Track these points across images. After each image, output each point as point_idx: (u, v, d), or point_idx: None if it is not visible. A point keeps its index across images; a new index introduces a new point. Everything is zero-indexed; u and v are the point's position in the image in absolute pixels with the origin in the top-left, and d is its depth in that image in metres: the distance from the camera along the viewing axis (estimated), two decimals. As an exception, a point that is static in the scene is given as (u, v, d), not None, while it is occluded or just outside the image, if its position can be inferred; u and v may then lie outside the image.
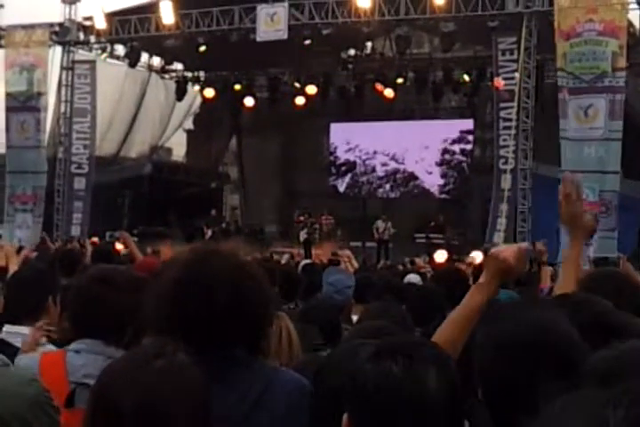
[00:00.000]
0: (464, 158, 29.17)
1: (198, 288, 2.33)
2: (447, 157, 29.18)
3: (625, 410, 0.95)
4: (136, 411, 1.80)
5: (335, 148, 30.95)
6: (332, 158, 31.06)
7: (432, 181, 29.44)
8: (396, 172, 30.04)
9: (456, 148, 29.12)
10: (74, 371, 2.86)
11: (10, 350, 3.31)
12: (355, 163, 30.68)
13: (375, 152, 30.11)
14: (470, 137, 28.90)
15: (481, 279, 2.66)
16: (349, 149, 30.49)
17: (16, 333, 3.68)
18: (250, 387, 2.34)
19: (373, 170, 30.42)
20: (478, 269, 6.77)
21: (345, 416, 1.83)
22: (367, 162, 30.44)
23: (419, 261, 14.05)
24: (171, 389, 1.84)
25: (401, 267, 13.89)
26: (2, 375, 2.25)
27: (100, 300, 3.03)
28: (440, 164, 29.33)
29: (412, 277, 8.48)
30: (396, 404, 1.75)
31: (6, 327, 3.71)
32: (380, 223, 24.64)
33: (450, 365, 1.87)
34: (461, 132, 28.96)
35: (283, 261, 11.65)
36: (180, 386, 1.86)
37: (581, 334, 2.05)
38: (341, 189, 31.03)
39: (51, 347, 3.58)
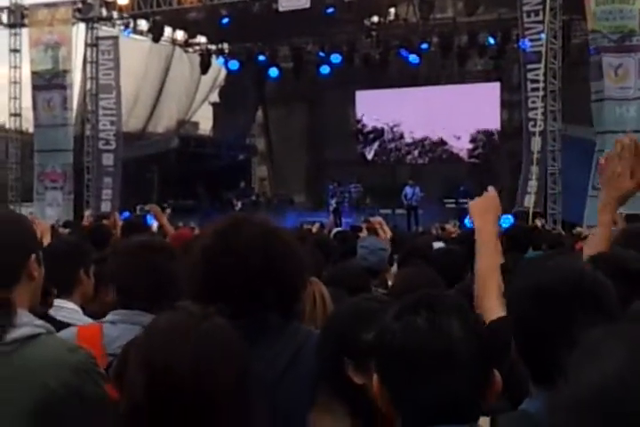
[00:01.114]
0: (492, 122, 28.95)
1: (230, 254, 2.35)
2: (475, 120, 28.94)
3: None
4: (188, 370, 1.81)
5: (362, 116, 30.84)
6: (358, 126, 30.96)
7: (460, 145, 29.29)
8: (423, 138, 29.92)
9: (484, 111, 28.87)
10: (110, 343, 2.87)
11: (56, 325, 3.35)
12: (382, 130, 30.56)
13: (402, 119, 29.94)
14: (498, 100, 28.65)
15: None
16: (376, 117, 30.35)
17: (59, 306, 3.68)
18: (283, 349, 2.37)
19: (401, 137, 30.30)
20: (508, 231, 6.75)
21: (375, 377, 1.84)
22: (394, 129, 30.31)
23: (449, 227, 13.99)
24: (218, 350, 1.85)
25: (433, 232, 13.84)
26: (46, 343, 2.26)
27: (150, 267, 3.05)
28: (468, 128, 29.13)
29: (437, 245, 8.45)
30: (424, 357, 1.75)
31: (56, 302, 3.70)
32: (408, 189, 24.55)
33: (472, 313, 1.88)
34: (488, 95, 28.70)
35: (314, 230, 11.63)
36: (226, 348, 1.87)
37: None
38: (369, 156, 30.96)
39: (87, 320, 3.60)
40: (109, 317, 3.01)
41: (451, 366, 1.75)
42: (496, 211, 3.19)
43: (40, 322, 2.29)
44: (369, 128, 30.77)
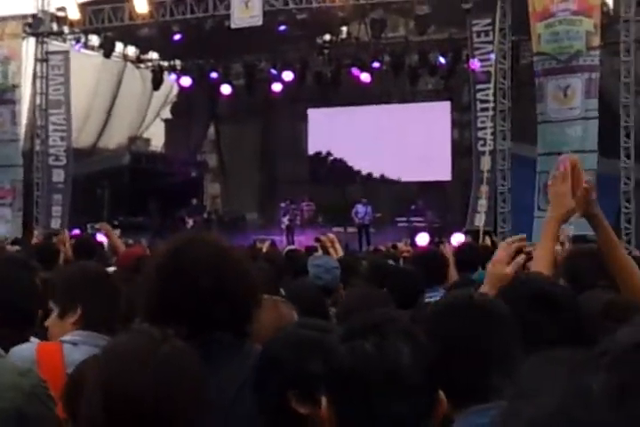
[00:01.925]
0: (442, 141, 29.18)
1: (182, 274, 2.36)
2: (424, 139, 29.15)
3: (608, 374, 0.93)
4: (148, 395, 1.81)
5: (313, 133, 30.91)
6: (310, 144, 31.01)
7: (411, 163, 29.43)
8: (374, 156, 30.02)
9: (435, 130, 29.11)
10: (71, 363, 2.86)
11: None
12: (333, 147, 30.65)
13: (354, 137, 30.06)
14: (448, 119, 28.93)
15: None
16: (327, 135, 30.44)
17: None
18: (237, 369, 2.37)
19: (352, 154, 30.40)
20: (459, 251, 6.83)
21: (323, 400, 1.84)
22: (345, 147, 30.41)
23: (401, 245, 14.03)
24: (177, 373, 1.86)
25: (383, 250, 13.89)
26: (-2, 367, 2.25)
27: (110, 291, 3.10)
28: (418, 146, 29.32)
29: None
30: (372, 382, 1.76)
31: None
32: (360, 207, 24.64)
33: (420, 337, 1.88)
34: (438, 114, 28.98)
35: (264, 249, 11.62)
36: (186, 372, 1.88)
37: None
38: (321, 174, 30.99)
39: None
40: (70, 337, 2.99)
41: (399, 392, 1.77)
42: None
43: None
44: (320, 146, 30.83)
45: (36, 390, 2.30)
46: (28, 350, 2.97)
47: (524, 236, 3.01)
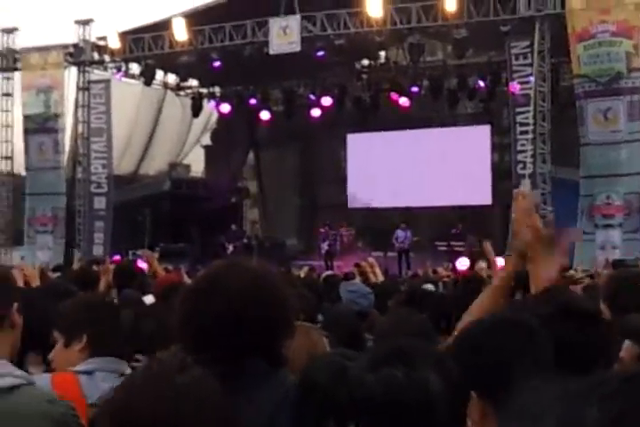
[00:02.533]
0: (483, 164, 29.02)
1: (215, 298, 2.33)
2: (466, 163, 29.03)
3: (601, 406, 0.92)
4: None
5: (353, 158, 30.90)
6: (350, 169, 30.99)
7: (451, 187, 29.29)
8: (414, 180, 29.93)
9: (475, 154, 28.98)
10: (91, 392, 2.83)
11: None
12: (374, 172, 30.59)
13: (393, 162, 30.02)
14: (487, 143, 28.78)
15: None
16: (367, 160, 30.42)
17: None
18: (267, 400, 2.33)
19: (393, 179, 30.32)
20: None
21: None
22: (386, 171, 30.35)
23: (440, 270, 13.95)
24: (194, 404, 1.81)
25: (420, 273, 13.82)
26: (27, 395, 2.23)
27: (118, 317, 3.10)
28: (459, 170, 29.20)
29: (426, 287, 8.43)
30: (403, 412, 1.74)
31: None
32: (399, 232, 24.59)
33: (450, 364, 1.86)
34: (479, 137, 28.85)
35: (302, 275, 11.60)
36: (203, 401, 1.83)
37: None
38: (360, 199, 30.91)
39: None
40: (83, 366, 2.95)
41: (429, 420, 1.74)
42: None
43: (20, 372, 2.27)
44: (360, 171, 30.79)
45: (66, 418, 2.30)
46: (42, 380, 2.94)
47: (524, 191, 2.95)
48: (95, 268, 10.09)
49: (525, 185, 20.49)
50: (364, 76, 28.85)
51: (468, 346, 2.05)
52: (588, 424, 0.91)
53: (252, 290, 2.35)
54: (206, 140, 32.53)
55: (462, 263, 21.62)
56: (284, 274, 9.79)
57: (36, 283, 6.70)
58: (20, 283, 6.96)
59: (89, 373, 2.91)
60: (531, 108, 20.53)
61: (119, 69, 26.50)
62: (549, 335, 2.04)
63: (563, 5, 20.21)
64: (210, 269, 2.53)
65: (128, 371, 3.04)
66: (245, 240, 28.12)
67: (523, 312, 2.24)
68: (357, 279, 8.11)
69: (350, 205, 30.33)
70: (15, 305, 2.37)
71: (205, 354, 2.17)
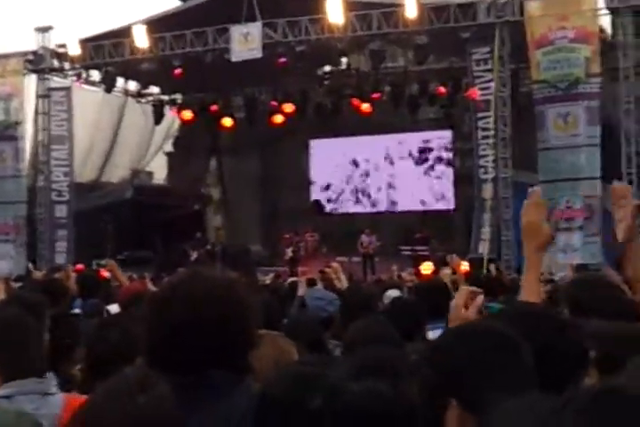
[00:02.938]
0: (445, 169, 29.23)
1: (180, 306, 2.32)
2: (427, 168, 29.23)
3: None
4: None
5: (315, 164, 30.97)
6: (312, 175, 31.05)
7: (414, 192, 29.46)
8: (377, 185, 30.07)
9: (435, 159, 29.19)
10: None
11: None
12: (335, 178, 30.70)
13: (355, 167, 30.14)
14: (449, 147, 28.99)
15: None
16: (329, 165, 30.50)
17: None
18: (233, 411, 2.31)
19: (354, 184, 30.44)
20: (465, 277, 6.79)
21: None
22: (347, 177, 30.46)
23: (405, 275, 13.99)
24: (154, 425, 1.81)
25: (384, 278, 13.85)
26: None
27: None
28: (421, 175, 29.38)
29: (392, 292, 8.44)
30: (387, 423, 1.74)
31: None
32: (364, 237, 24.68)
33: (430, 375, 1.87)
34: (440, 142, 29.06)
35: (267, 281, 11.60)
36: (162, 421, 1.83)
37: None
38: (324, 205, 30.99)
39: None
40: (1, 391, 2.86)
41: None
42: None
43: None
44: (322, 176, 30.87)
45: None
46: (55, 399, 2.91)
47: (476, 290, 3.02)
48: (57, 275, 10.03)
49: (487, 190, 20.67)
50: (326, 82, 28.88)
51: (447, 354, 2.06)
52: None
53: (213, 300, 2.34)
54: (168, 147, 32.41)
55: (426, 268, 21.73)
56: (249, 281, 9.79)
57: (1, 296, 6.64)
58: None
59: (7, 397, 2.83)
60: (491, 113, 20.70)
61: (79, 76, 26.31)
62: (529, 347, 2.06)
63: (522, 12, 20.43)
64: (172, 278, 2.52)
65: (53, 389, 2.99)
66: (209, 247, 28.05)
67: (500, 321, 2.26)
68: (320, 285, 8.12)
69: (313, 210, 30.38)
70: None
71: (167, 365, 2.17)
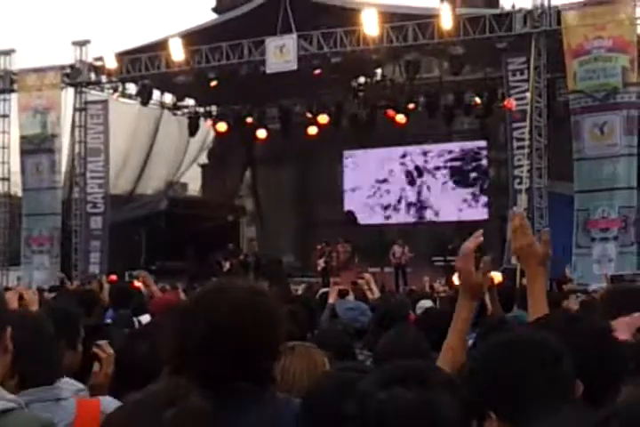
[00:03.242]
0: (479, 180, 29.07)
1: (200, 321, 2.31)
2: (461, 178, 29.08)
3: None
4: None
5: (349, 175, 30.92)
6: (346, 186, 31.00)
7: (448, 203, 29.32)
8: (410, 196, 29.95)
9: (470, 169, 29.04)
10: None
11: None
12: (369, 189, 30.61)
13: (389, 178, 30.05)
14: (485, 158, 28.83)
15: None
16: (363, 177, 30.44)
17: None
18: (258, 419, 2.30)
19: (388, 195, 30.33)
20: (497, 288, 6.69)
21: None
22: (381, 188, 30.38)
23: (437, 285, 13.90)
24: None
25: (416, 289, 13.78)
26: (20, 418, 2.22)
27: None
28: (455, 186, 29.23)
29: (424, 303, 8.39)
30: None
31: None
32: (396, 248, 24.60)
33: (460, 388, 1.83)
34: (475, 153, 28.92)
35: (299, 292, 11.59)
36: None
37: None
38: (357, 216, 30.89)
39: None
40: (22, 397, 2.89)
41: None
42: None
43: (12, 396, 2.25)
44: (356, 187, 30.80)
45: None
46: (68, 404, 2.92)
47: (479, 236, 2.92)
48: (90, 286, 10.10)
49: (522, 200, 20.51)
50: (361, 93, 28.92)
51: (489, 365, 2.02)
52: None
53: (237, 312, 2.32)
54: (203, 158, 32.55)
55: (458, 278, 21.57)
56: (281, 292, 9.78)
57: (34, 307, 6.65)
58: (15, 305, 6.93)
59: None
60: (527, 123, 20.57)
61: (116, 90, 26.55)
62: (570, 357, 2.02)
63: (559, 22, 20.30)
64: (200, 290, 2.52)
65: (64, 394, 2.99)
66: (242, 257, 28.11)
67: (546, 332, 2.21)
68: (351, 296, 8.07)
69: (346, 221, 30.34)
70: (9, 330, 2.34)
71: (191, 377, 2.14)
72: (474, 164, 28.95)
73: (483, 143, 28.74)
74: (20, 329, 3.10)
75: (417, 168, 29.51)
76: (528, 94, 20.86)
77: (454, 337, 2.89)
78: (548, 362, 1.97)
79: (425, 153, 29.42)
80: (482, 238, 2.91)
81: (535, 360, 1.97)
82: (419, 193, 29.77)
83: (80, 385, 3.09)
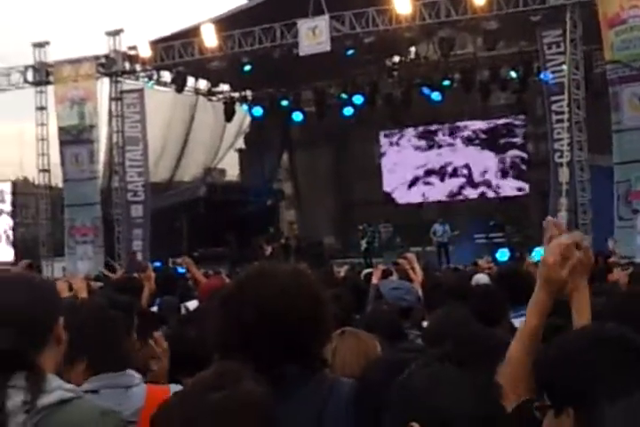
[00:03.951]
0: (519, 154, 28.84)
1: (244, 305, 2.30)
2: (500, 154, 28.88)
3: None
4: None
5: (387, 155, 30.81)
6: (384, 166, 30.90)
7: (488, 179, 29.14)
8: (449, 173, 29.80)
9: (509, 145, 28.81)
10: None
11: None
12: (407, 168, 30.49)
13: (427, 156, 29.92)
14: (521, 133, 28.59)
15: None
16: (400, 156, 30.32)
17: None
18: (311, 401, 2.29)
19: (427, 174, 30.20)
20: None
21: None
22: (419, 166, 30.24)
23: (481, 262, 13.78)
24: (226, 424, 1.77)
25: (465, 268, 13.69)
26: (79, 408, 2.22)
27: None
28: (495, 162, 29.03)
29: (481, 278, 8.32)
30: (450, 408, 1.76)
31: None
32: (437, 227, 24.47)
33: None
34: (513, 128, 28.68)
35: (342, 273, 11.58)
36: (240, 421, 1.80)
37: None
38: (396, 195, 30.80)
39: None
40: (88, 385, 2.91)
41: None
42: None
43: (70, 386, 2.26)
44: (394, 167, 30.67)
45: None
46: (139, 390, 2.99)
47: (579, 233, 2.67)
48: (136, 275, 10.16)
49: (563, 174, 20.34)
50: (395, 72, 28.74)
51: (580, 363, 1.95)
52: None
53: (281, 296, 2.30)
54: (240, 143, 32.59)
55: (502, 255, 21.52)
56: (324, 274, 9.77)
57: (83, 295, 6.72)
58: (65, 295, 7.00)
59: (95, 391, 2.89)
60: (565, 96, 20.34)
61: (151, 78, 26.64)
62: None
63: (593, -8, 20.02)
64: (243, 274, 2.49)
65: (136, 381, 3.04)
66: (283, 241, 28.18)
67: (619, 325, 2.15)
68: (395, 276, 8.05)
69: (386, 201, 30.29)
70: (61, 319, 2.36)
71: (240, 362, 2.14)
72: (512, 139, 28.72)
73: (521, 118, 28.49)
74: (88, 316, 3.18)
75: (455, 145, 29.32)
76: (565, 67, 20.63)
77: (517, 347, 2.49)
78: (632, 360, 1.91)
79: (462, 130, 29.22)
80: (582, 239, 2.56)
81: (621, 359, 1.92)
82: (458, 170, 29.59)
83: (139, 375, 3.13)
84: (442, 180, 29.87)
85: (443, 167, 29.69)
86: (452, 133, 29.36)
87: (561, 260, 2.46)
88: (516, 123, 28.60)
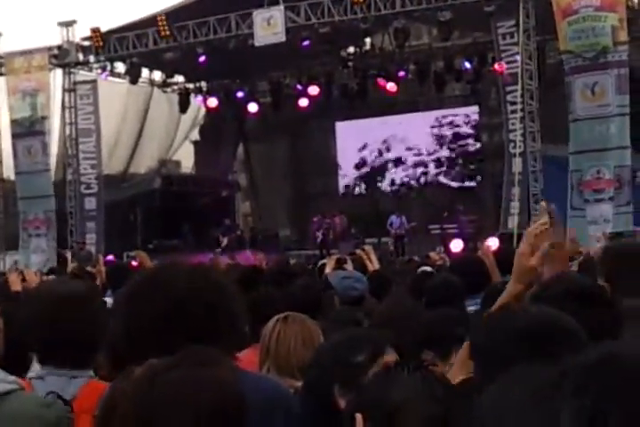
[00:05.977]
0: (472, 145, 29.04)
1: (157, 292, 2.28)
2: (454, 145, 29.06)
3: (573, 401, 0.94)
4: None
5: (342, 146, 30.86)
6: (339, 157, 30.95)
7: (442, 170, 29.32)
8: (404, 164, 29.91)
9: (463, 135, 29.00)
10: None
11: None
12: (363, 159, 30.57)
13: (382, 147, 30.01)
14: (475, 123, 28.78)
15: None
16: (356, 147, 30.39)
17: None
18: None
19: (382, 165, 30.30)
20: (495, 254, 6.64)
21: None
22: (375, 157, 30.33)
23: (433, 254, 13.85)
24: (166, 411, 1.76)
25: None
26: (21, 399, 2.19)
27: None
28: (448, 152, 29.21)
29: (424, 269, 8.37)
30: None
31: None
32: (394, 218, 24.58)
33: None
34: (467, 119, 28.86)
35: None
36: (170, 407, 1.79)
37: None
38: (351, 187, 30.86)
39: None
40: (34, 373, 2.82)
41: None
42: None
43: (12, 378, 2.23)
44: (349, 158, 30.73)
45: (60, 421, 2.26)
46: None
47: (546, 220, 2.70)
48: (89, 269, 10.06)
49: (516, 164, 20.50)
50: (351, 63, 28.77)
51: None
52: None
53: (189, 285, 2.30)
54: (195, 135, 32.42)
55: (456, 245, 21.66)
56: (279, 265, 9.77)
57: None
58: (18, 287, 6.91)
59: (40, 378, 2.76)
60: (518, 86, 20.49)
61: (104, 69, 26.37)
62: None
63: (546, -18, 20.13)
64: (154, 267, 2.57)
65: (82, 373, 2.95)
66: (239, 233, 28.13)
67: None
68: (350, 266, 8.07)
69: (341, 192, 30.37)
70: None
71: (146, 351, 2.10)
72: (467, 129, 28.91)
73: (475, 109, 28.68)
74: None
75: (410, 136, 29.44)
76: (518, 57, 20.76)
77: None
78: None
79: (417, 121, 29.33)
80: (549, 226, 2.64)
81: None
82: (412, 161, 29.72)
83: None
84: (397, 171, 29.97)
85: (398, 158, 29.78)
86: (408, 125, 29.43)
87: (530, 249, 2.50)
88: (470, 113, 28.78)
